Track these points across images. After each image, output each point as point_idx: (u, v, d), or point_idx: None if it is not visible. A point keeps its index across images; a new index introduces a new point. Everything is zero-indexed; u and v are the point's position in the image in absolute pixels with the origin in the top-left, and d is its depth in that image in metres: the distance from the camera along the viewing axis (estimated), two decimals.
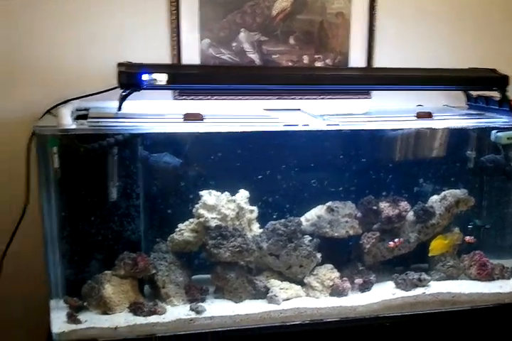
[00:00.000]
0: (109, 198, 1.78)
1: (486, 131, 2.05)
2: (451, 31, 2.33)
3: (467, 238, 2.09)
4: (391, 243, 2.00)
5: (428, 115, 1.98)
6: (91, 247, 1.79)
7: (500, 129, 2.00)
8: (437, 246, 2.06)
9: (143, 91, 1.74)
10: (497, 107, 2.09)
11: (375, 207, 2.02)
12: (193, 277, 1.91)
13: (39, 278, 1.76)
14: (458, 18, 2.33)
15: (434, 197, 2.14)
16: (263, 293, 1.85)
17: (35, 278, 1.81)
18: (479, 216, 2.23)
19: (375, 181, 2.14)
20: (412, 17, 2.28)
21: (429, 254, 2.05)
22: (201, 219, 1.86)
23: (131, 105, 1.79)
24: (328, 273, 1.92)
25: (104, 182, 1.78)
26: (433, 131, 2.19)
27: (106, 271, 1.76)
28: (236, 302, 1.82)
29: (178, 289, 1.79)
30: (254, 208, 1.98)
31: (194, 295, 1.80)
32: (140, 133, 1.79)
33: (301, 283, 1.92)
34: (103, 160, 1.77)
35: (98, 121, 1.71)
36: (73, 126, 1.63)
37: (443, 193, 2.13)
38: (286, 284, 1.88)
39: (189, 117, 1.76)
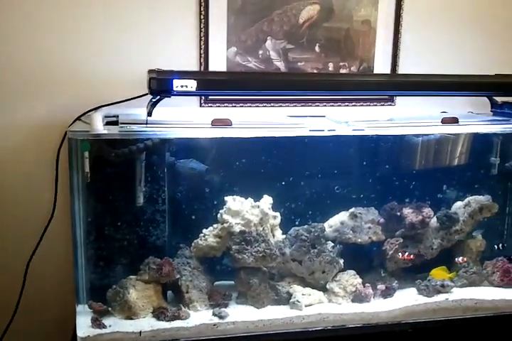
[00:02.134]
0: (136, 203, 1.66)
1: (510, 137, 1.88)
2: (476, 37, 2.14)
3: (458, 259, 1.88)
4: (400, 254, 1.83)
5: (454, 120, 1.80)
6: (117, 252, 1.67)
7: None
8: (437, 275, 1.86)
9: (170, 99, 1.61)
10: None
11: (398, 213, 1.87)
12: (216, 283, 1.78)
13: (66, 283, 1.64)
14: (483, 24, 2.14)
15: (458, 204, 1.98)
16: (285, 299, 1.71)
17: (62, 283, 1.69)
18: (503, 222, 2.04)
19: (399, 187, 1.97)
20: (438, 24, 2.10)
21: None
22: (225, 225, 1.73)
23: (159, 112, 1.66)
24: (351, 279, 1.76)
25: (132, 187, 1.66)
26: (457, 136, 2.02)
27: (130, 276, 1.63)
28: (258, 308, 1.69)
29: (201, 294, 1.66)
30: (278, 214, 1.84)
31: (217, 300, 1.67)
32: (170, 138, 1.68)
33: (323, 289, 1.77)
34: (132, 166, 1.66)
35: (129, 127, 1.59)
36: (105, 131, 1.52)
37: (467, 199, 1.97)
38: (308, 290, 1.73)
39: (217, 123, 1.63)
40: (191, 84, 1.58)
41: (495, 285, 1.90)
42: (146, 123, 1.60)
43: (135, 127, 1.59)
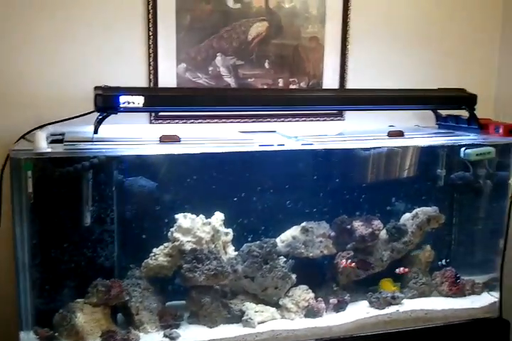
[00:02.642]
0: (83, 223, 1.58)
1: (455, 149, 1.89)
2: (420, 53, 2.15)
3: (398, 270, 1.86)
4: (343, 261, 1.81)
5: (399, 134, 1.81)
6: (63, 274, 1.58)
7: (468, 146, 1.85)
8: (385, 286, 1.86)
9: (119, 115, 1.57)
10: (466, 125, 1.93)
11: (348, 227, 1.85)
12: (167, 303, 1.71)
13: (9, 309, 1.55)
14: (426, 41, 2.16)
15: (406, 215, 1.97)
16: (238, 317, 1.66)
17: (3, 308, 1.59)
18: (450, 233, 2.05)
19: (349, 200, 1.95)
20: (384, 40, 2.11)
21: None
22: (176, 243, 1.67)
23: (107, 130, 1.61)
24: (303, 294, 1.73)
25: (78, 207, 1.58)
26: (404, 149, 2.02)
27: (78, 299, 1.55)
28: (211, 327, 1.63)
29: (151, 315, 1.59)
30: (230, 230, 1.79)
31: (168, 321, 1.60)
32: (116, 155, 1.60)
33: (276, 305, 1.73)
34: (78, 185, 1.58)
35: (73, 145, 1.52)
36: (48, 150, 1.45)
37: (414, 211, 1.97)
38: (261, 307, 1.69)
39: (165, 139, 1.58)
40: (138, 101, 1.54)
41: (444, 295, 1.90)
42: (92, 141, 1.54)
43: (80, 145, 1.52)
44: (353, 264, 1.79)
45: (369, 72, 2.10)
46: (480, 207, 2.03)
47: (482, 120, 1.90)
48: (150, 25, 1.85)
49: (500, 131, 1.84)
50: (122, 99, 1.52)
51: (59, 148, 1.50)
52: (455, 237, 2.06)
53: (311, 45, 2.05)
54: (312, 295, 1.74)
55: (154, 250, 1.69)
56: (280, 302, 1.72)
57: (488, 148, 1.86)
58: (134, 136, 1.71)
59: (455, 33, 2.19)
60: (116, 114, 1.55)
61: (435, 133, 1.97)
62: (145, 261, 1.68)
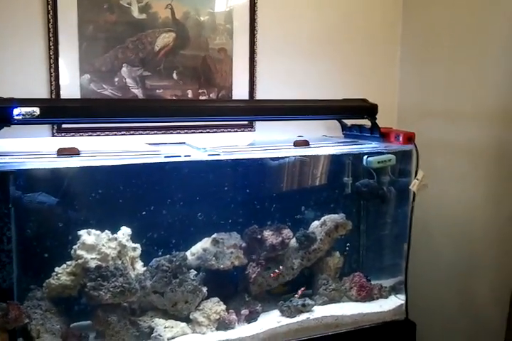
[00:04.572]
0: None
1: (359, 157, 1.97)
2: (325, 65, 2.25)
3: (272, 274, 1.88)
4: (272, 274, 1.85)
5: (305, 143, 1.86)
6: None
7: (370, 154, 1.94)
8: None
9: (19, 128, 1.52)
10: (369, 134, 2.02)
11: (259, 236, 1.87)
12: (73, 324, 1.66)
13: None
14: (330, 53, 2.26)
15: (315, 223, 2.03)
16: (147, 334, 1.63)
17: None
18: (358, 239, 2.13)
19: (260, 210, 1.99)
20: (290, 51, 2.18)
21: None
22: (80, 261, 1.62)
23: (4, 143, 1.55)
24: (215, 307, 1.73)
25: None
26: (312, 158, 2.08)
27: None
28: None
29: (54, 338, 1.52)
30: (138, 245, 1.76)
31: None
32: (9, 170, 1.52)
33: (187, 319, 1.72)
34: None
35: None
36: None
37: (322, 218, 2.03)
38: (171, 322, 1.67)
39: (63, 152, 1.53)
40: (34, 112, 1.49)
41: (353, 299, 1.97)
42: None
43: None
44: (275, 272, 1.84)
45: (277, 83, 2.16)
46: (385, 212, 2.13)
47: (384, 129, 1.99)
48: (50, 35, 1.81)
49: (401, 139, 1.94)
50: (16, 110, 1.47)
51: None
52: (363, 243, 2.15)
53: (219, 56, 2.08)
54: (224, 307, 1.75)
55: (56, 269, 1.63)
56: (191, 317, 1.71)
57: (389, 156, 1.95)
58: (32, 149, 1.65)
59: (357, 45, 2.31)
60: (9, 126, 1.49)
61: (340, 142, 2.05)
62: (47, 280, 1.62)
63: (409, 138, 1.93)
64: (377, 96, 2.02)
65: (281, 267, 1.86)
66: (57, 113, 1.59)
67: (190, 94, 2.06)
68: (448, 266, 2.22)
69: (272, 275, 1.85)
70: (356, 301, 1.96)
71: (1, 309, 1.46)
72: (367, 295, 1.97)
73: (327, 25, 2.25)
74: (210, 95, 2.09)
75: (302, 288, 1.90)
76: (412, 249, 1.98)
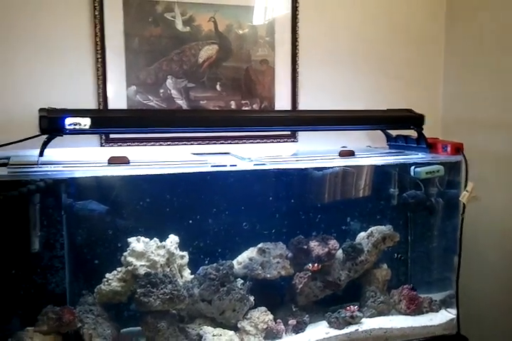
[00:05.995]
0: (31, 249, 1.60)
1: (406, 168, 2.01)
2: (367, 77, 2.32)
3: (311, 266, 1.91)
4: (310, 265, 1.89)
5: (350, 153, 1.91)
6: (12, 302, 1.58)
7: (418, 165, 1.97)
8: None
9: (68, 139, 1.61)
10: (415, 145, 2.06)
11: (305, 247, 1.92)
12: (123, 330, 1.73)
13: None
14: (374, 64, 2.33)
15: (362, 234, 2.07)
16: None
17: None
18: (406, 251, 2.16)
19: (305, 221, 2.04)
20: (332, 63, 2.26)
21: None
22: (129, 267, 1.69)
23: (55, 153, 1.64)
24: (262, 316, 1.78)
25: (25, 232, 1.60)
26: (358, 169, 2.13)
27: (27, 328, 1.54)
28: None
29: None
30: (185, 253, 1.84)
31: None
32: (62, 178, 1.61)
33: (235, 328, 1.77)
34: (24, 209, 1.60)
35: (18, 168, 1.54)
36: None
37: (369, 230, 2.07)
38: (219, 330, 1.72)
39: (114, 161, 1.62)
40: (85, 122, 1.58)
41: (402, 313, 1.99)
42: (37, 164, 1.56)
43: (25, 168, 1.54)
44: (319, 266, 1.88)
45: (319, 94, 2.24)
46: (433, 224, 2.15)
47: (430, 139, 2.03)
48: (98, 48, 1.92)
49: (448, 149, 1.98)
50: (68, 120, 1.56)
51: (3, 171, 1.51)
52: (411, 255, 2.18)
53: (261, 67, 2.17)
54: (271, 316, 1.80)
55: (107, 275, 1.71)
56: (239, 325, 1.76)
57: (437, 167, 1.98)
58: (82, 158, 1.74)
59: (400, 56, 2.37)
60: (61, 136, 1.58)
61: (385, 152, 2.10)
62: (98, 286, 1.70)
63: (458, 148, 1.97)
64: (420, 106, 2.06)
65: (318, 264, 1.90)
66: (107, 123, 1.69)
67: (233, 105, 2.15)
68: (499, 278, 2.22)
69: (310, 266, 1.89)
70: (405, 314, 1.98)
71: (55, 313, 1.55)
72: (416, 308, 1.98)
73: (369, 36, 2.32)
74: (253, 106, 2.17)
75: (355, 307, 1.92)
76: (461, 262, 2.00)
